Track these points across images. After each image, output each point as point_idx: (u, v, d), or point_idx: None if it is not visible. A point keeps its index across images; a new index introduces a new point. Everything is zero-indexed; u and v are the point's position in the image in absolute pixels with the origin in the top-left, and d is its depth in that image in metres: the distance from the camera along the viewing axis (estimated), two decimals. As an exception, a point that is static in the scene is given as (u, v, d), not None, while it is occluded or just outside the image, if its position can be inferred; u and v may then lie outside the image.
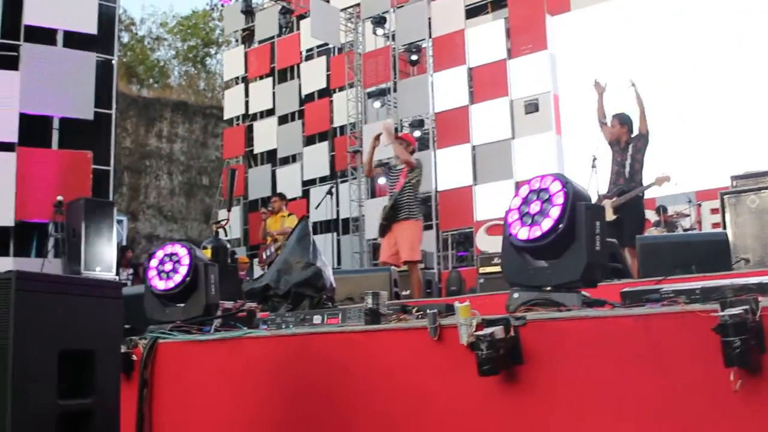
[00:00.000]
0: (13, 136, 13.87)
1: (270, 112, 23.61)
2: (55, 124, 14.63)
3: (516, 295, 3.34)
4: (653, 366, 2.66)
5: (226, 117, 25.55)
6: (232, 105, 24.94)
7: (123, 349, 4.28)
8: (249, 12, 21.33)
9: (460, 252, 18.84)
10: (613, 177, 8.84)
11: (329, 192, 13.11)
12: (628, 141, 8.81)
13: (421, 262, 9.41)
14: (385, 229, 8.94)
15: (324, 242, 20.04)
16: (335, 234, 20.73)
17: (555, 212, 3.29)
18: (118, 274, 13.33)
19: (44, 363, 2.76)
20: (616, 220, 8.47)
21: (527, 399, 2.95)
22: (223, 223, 9.89)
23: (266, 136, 23.49)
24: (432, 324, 3.17)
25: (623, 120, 8.88)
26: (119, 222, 16.43)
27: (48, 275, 2.99)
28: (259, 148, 23.83)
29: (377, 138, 9.07)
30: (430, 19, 19.52)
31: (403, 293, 9.06)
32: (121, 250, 15.09)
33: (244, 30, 24.57)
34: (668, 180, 8.54)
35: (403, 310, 3.72)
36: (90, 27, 14.89)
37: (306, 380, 3.65)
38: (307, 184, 22.12)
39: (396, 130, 18.30)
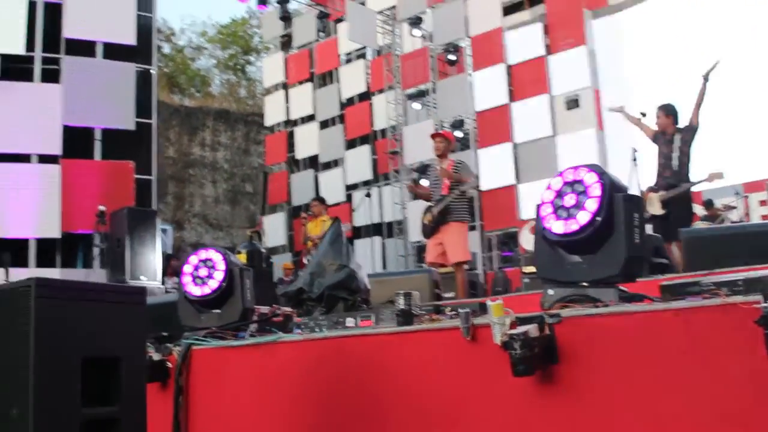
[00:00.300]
0: (56, 149, 14.09)
1: (311, 118, 23.63)
2: (97, 135, 14.81)
3: (551, 291, 3.23)
4: (694, 361, 2.54)
5: (267, 123, 25.63)
6: (273, 111, 25.02)
7: (158, 356, 4.27)
8: (286, 18, 21.40)
9: (505, 252, 18.66)
10: (660, 169, 8.63)
11: (367, 194, 13.02)
12: (674, 132, 8.59)
13: (467, 263, 9.31)
14: (431, 230, 8.86)
15: (367, 246, 20.10)
16: (380, 237, 20.71)
17: (592, 205, 3.17)
18: (163, 282, 13.42)
19: (67, 370, 2.72)
20: (664, 214, 8.29)
21: (564, 399, 2.85)
22: (256, 227, 9.89)
23: (308, 141, 23.51)
24: (465, 324, 3.09)
25: (668, 110, 8.67)
26: (164, 231, 16.58)
27: (69, 282, 2.94)
28: (301, 153, 23.86)
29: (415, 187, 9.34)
30: (466, 17, 19.39)
31: (448, 295, 8.96)
32: (167, 259, 15.19)
33: (282, 36, 24.66)
34: (721, 177, 8.32)
35: (437, 311, 3.63)
36: (129, 38, 15.07)
37: (340, 383, 3.59)
38: (350, 188, 22.09)
39: (436, 128, 18.24)
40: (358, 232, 20.80)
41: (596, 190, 3.19)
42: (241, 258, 7.81)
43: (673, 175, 8.45)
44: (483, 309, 3.29)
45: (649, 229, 8.39)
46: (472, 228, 17.23)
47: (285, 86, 24.65)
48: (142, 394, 3.02)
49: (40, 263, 13.77)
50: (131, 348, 2.99)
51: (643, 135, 8.93)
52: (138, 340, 3.08)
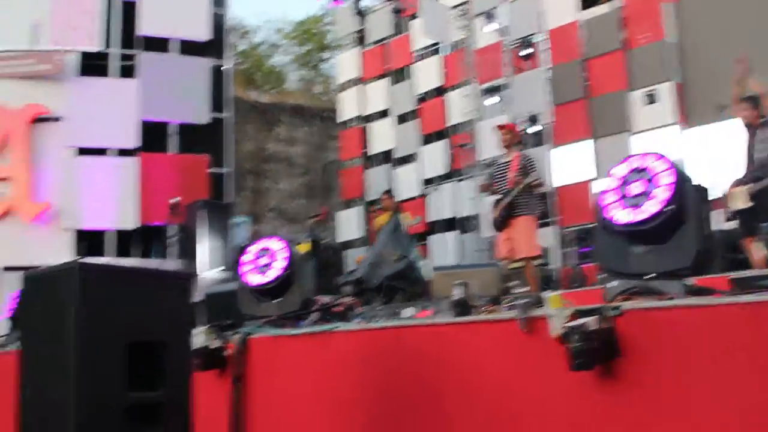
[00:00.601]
0: (134, 143, 14.37)
1: (386, 113, 23.63)
2: (174, 129, 15.05)
3: (613, 283, 3.09)
4: (761, 357, 2.38)
5: (342, 119, 25.72)
6: (349, 107, 25.09)
7: (217, 344, 4.26)
8: (361, 14, 21.43)
9: (582, 248, 18.31)
10: (748, 162, 8.33)
11: (436, 188, 12.91)
12: (759, 125, 8.27)
13: (538, 258, 9.11)
14: (500, 224, 8.71)
15: (443, 241, 19.99)
16: (456, 232, 20.58)
17: (662, 193, 3.02)
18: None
19: (111, 354, 2.69)
20: (750, 207, 7.97)
21: (625, 395, 2.71)
22: (319, 216, 9.88)
23: (383, 136, 23.52)
24: (521, 315, 2.97)
25: (754, 103, 8.35)
26: (240, 224, 16.72)
27: (113, 266, 2.93)
28: (376, 148, 23.87)
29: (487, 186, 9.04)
30: (542, 11, 19.08)
31: (520, 290, 8.76)
32: (241, 251, 15.31)
33: (357, 32, 24.70)
34: None
35: (496, 302, 3.53)
36: (203, 34, 15.28)
37: (396, 372, 3.51)
38: (425, 183, 22.00)
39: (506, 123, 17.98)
40: (433, 227, 20.70)
41: (667, 179, 3.04)
42: (304, 248, 7.77)
43: (760, 168, 8.14)
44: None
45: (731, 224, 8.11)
46: (547, 224, 16.97)
47: (360, 82, 24.70)
48: (188, 380, 2.98)
49: (118, 254, 14.06)
50: (177, 333, 2.96)
51: (726, 124, 8.63)
52: (183, 325, 3.04)
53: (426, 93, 22.59)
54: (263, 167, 29.05)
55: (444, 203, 17.71)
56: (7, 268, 12.20)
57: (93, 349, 2.63)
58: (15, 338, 5.61)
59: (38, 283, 2.89)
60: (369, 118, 24.28)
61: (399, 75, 23.56)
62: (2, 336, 7.03)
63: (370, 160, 24.23)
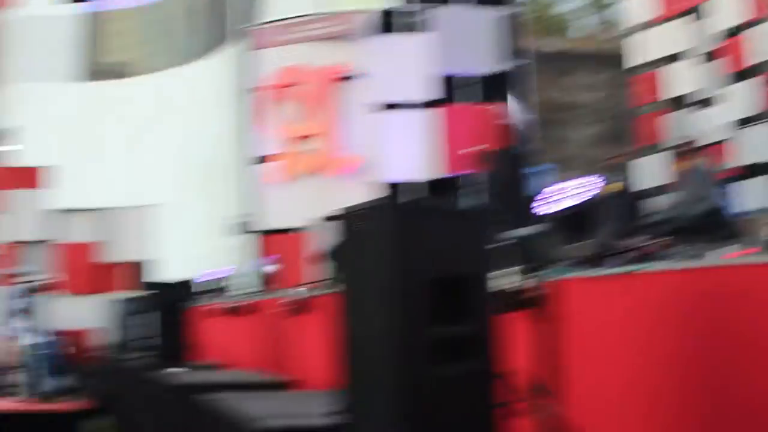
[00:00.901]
0: (431, 95, 15.01)
1: (683, 54, 22.50)
2: (467, 81, 15.47)
3: None
4: None
5: (636, 63, 24.80)
6: (640, 51, 24.15)
7: (523, 285, 4.47)
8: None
9: None
10: None
11: (747, 129, 12.19)
12: None
13: None
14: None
15: (756, 184, 18.83)
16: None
17: None
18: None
19: (418, 289, 2.89)
20: None
21: None
22: (619, 158, 9.81)
23: (681, 79, 22.44)
24: None
25: None
26: (542, 172, 16.90)
27: (420, 201, 3.19)
28: (674, 92, 22.84)
29: None
30: None
31: None
32: (541, 194, 15.46)
33: (646, -28, 23.63)
34: None
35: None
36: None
37: (708, 315, 3.51)
38: (734, 124, 20.75)
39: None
40: (744, 171, 19.55)
41: None
42: (616, 187, 7.74)
43: None
44: None
45: None
46: None
47: (651, 24, 23.67)
48: (491, 317, 3.12)
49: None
50: (477, 270, 3.11)
51: None
52: (483, 263, 3.19)
53: (727, 30, 21.24)
54: (555, 116, 28.88)
55: (756, 145, 16.63)
56: (329, 218, 13.32)
57: (403, 284, 2.85)
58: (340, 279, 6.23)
59: (354, 220, 3.18)
60: (664, 61, 23.27)
61: (694, 13, 22.33)
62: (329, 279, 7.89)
63: (668, 105, 23.27)
